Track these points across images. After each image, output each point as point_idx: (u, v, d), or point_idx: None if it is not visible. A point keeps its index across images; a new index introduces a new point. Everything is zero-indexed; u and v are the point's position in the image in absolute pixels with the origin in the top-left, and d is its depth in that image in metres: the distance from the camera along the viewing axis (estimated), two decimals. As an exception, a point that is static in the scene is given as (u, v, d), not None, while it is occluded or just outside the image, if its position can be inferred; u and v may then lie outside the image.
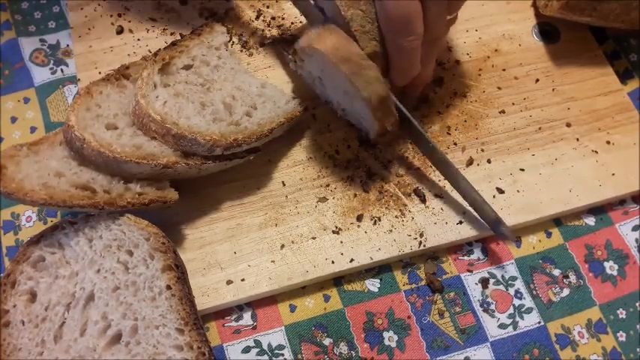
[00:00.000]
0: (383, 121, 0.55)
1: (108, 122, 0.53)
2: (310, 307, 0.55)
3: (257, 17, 0.68)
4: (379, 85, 0.52)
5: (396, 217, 0.58)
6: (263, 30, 0.67)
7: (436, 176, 0.60)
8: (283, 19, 0.68)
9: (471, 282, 0.57)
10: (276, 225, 0.57)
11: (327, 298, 0.56)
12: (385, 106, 0.54)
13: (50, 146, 0.53)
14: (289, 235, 0.57)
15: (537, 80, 0.66)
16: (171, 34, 0.66)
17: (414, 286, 0.57)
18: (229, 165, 0.56)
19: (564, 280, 0.58)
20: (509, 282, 0.58)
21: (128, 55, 0.65)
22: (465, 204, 0.58)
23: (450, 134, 0.63)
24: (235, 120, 0.56)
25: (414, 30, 0.51)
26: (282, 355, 0.53)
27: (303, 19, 0.63)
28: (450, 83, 0.65)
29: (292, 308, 0.55)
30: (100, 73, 0.63)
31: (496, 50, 0.68)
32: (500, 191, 0.60)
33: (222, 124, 0.55)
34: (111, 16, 0.67)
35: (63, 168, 0.52)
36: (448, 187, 0.60)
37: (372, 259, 0.56)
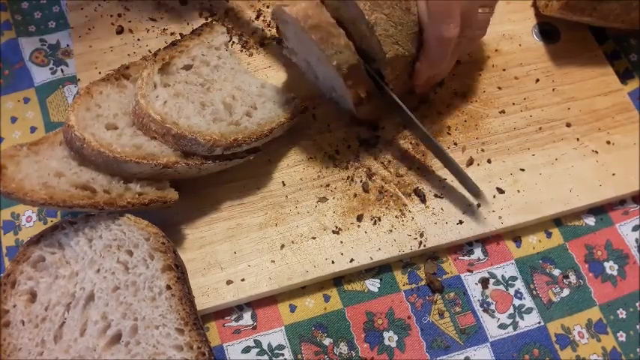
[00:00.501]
0: (355, 89, 0.55)
1: (108, 122, 0.53)
2: (310, 307, 0.55)
3: (257, 17, 0.68)
4: (349, 53, 0.53)
5: (396, 217, 0.58)
6: (263, 30, 0.67)
7: (436, 176, 0.60)
8: (283, 19, 0.68)
9: (471, 282, 0.57)
10: (276, 225, 0.57)
11: (327, 298, 0.56)
12: (356, 74, 0.54)
13: (50, 146, 0.53)
14: (289, 235, 0.57)
15: (537, 80, 0.66)
16: (172, 34, 0.66)
17: (414, 286, 0.57)
18: (229, 165, 0.56)
19: (564, 280, 0.58)
20: (509, 282, 0.57)
21: (128, 55, 0.65)
22: (465, 204, 0.58)
23: (450, 134, 0.63)
24: (235, 120, 0.56)
25: (454, 17, 0.52)
26: (282, 355, 0.53)
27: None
28: (450, 83, 0.65)
29: (292, 308, 0.55)
30: (100, 73, 0.63)
31: (496, 50, 0.68)
32: (501, 191, 0.60)
33: (222, 124, 0.55)
34: (111, 16, 0.67)
35: (63, 168, 0.52)
36: (448, 187, 0.60)
37: (372, 259, 0.56)
